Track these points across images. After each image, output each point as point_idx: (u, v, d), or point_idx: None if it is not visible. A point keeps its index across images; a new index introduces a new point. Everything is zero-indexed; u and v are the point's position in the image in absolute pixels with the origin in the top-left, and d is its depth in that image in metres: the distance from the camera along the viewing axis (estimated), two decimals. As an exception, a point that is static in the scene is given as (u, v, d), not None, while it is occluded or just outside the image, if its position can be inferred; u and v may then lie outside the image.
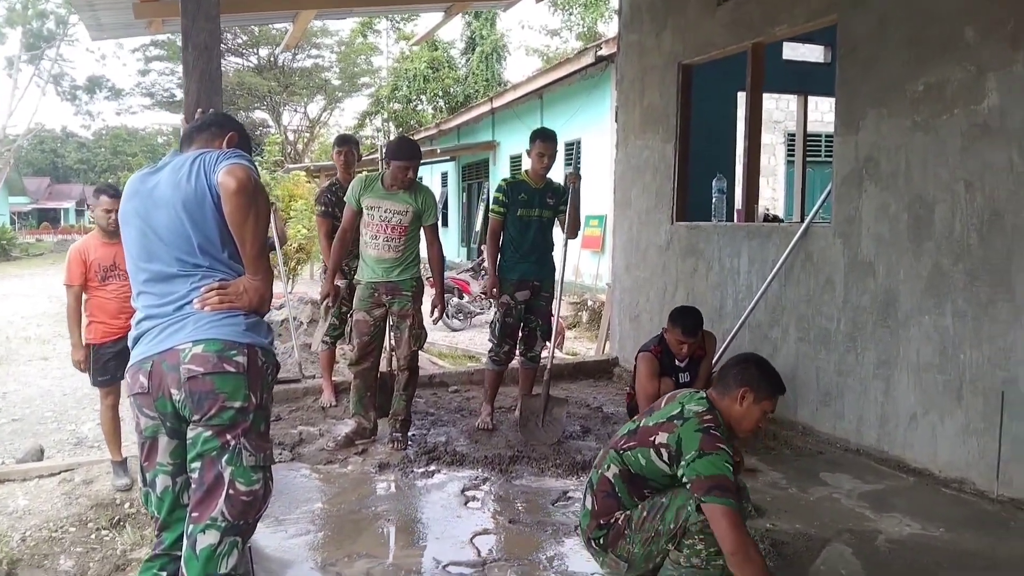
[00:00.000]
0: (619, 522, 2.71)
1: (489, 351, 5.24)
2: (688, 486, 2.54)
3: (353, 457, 4.50)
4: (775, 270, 5.17)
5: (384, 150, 4.75)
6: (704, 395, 2.76)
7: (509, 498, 3.92)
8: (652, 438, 2.68)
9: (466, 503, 3.85)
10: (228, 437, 2.10)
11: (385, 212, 4.60)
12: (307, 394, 5.89)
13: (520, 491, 4.00)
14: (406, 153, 4.58)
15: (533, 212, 5.06)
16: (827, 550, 3.32)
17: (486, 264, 5.20)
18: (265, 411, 2.19)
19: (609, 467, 2.79)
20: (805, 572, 3.11)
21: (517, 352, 5.23)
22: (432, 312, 4.89)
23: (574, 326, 12.33)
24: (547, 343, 5.23)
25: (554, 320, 5.23)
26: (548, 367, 5.14)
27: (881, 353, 4.51)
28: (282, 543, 3.35)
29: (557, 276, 5.20)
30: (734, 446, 2.64)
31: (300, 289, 13.38)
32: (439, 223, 4.85)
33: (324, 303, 5.24)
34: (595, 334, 10.97)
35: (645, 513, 2.67)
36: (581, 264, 14.11)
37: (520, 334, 5.19)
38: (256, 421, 2.15)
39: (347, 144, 5.74)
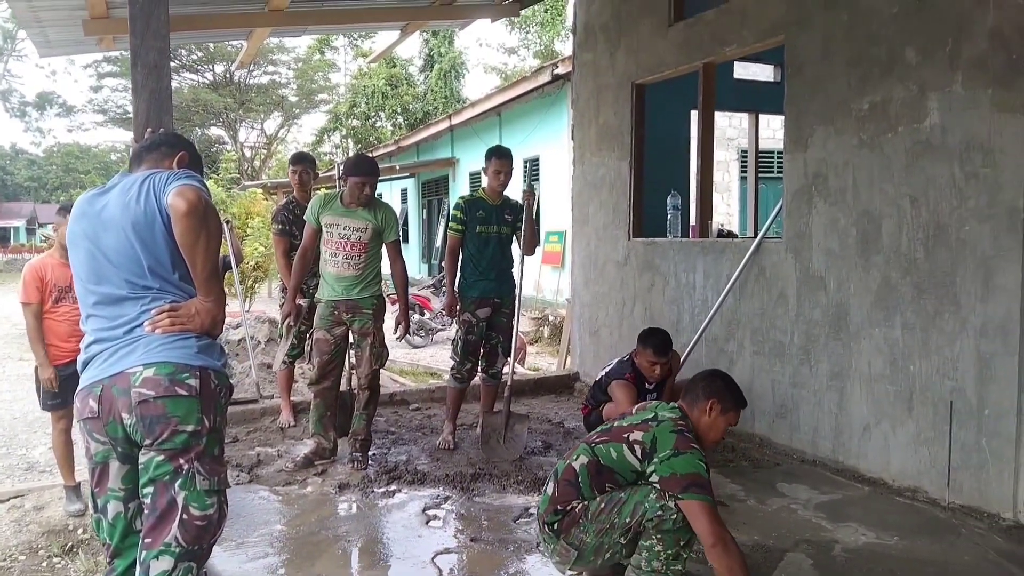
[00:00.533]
0: (576, 510, 2.76)
1: (451, 369, 5.23)
2: (659, 483, 2.63)
3: (312, 478, 4.44)
4: (729, 284, 5.24)
5: (341, 167, 4.72)
6: (676, 405, 2.89)
7: (471, 516, 3.90)
8: (626, 435, 2.78)
9: (427, 522, 3.82)
10: (181, 461, 2.06)
11: (344, 230, 4.58)
12: (265, 415, 5.81)
13: (482, 509, 3.99)
14: (363, 169, 4.58)
15: (491, 229, 5.07)
16: (785, 560, 3.36)
17: (446, 282, 5.20)
18: (219, 434, 2.16)
19: (578, 457, 2.85)
20: (763, 583, 3.14)
21: (479, 369, 5.22)
22: (396, 329, 4.87)
23: (536, 341, 12.35)
24: (508, 359, 5.24)
25: (514, 336, 5.24)
26: (509, 383, 5.14)
27: (834, 365, 4.59)
28: (241, 567, 3.29)
29: (516, 292, 5.21)
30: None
31: (257, 308, 13.20)
32: (400, 240, 4.83)
33: (285, 323, 5.17)
34: (556, 349, 11.00)
35: (603, 505, 2.72)
36: (542, 280, 14.16)
37: (482, 351, 5.18)
38: (209, 444, 2.11)
39: (302, 163, 5.70)
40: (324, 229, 4.60)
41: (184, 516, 2.05)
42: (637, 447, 2.73)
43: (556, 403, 6.55)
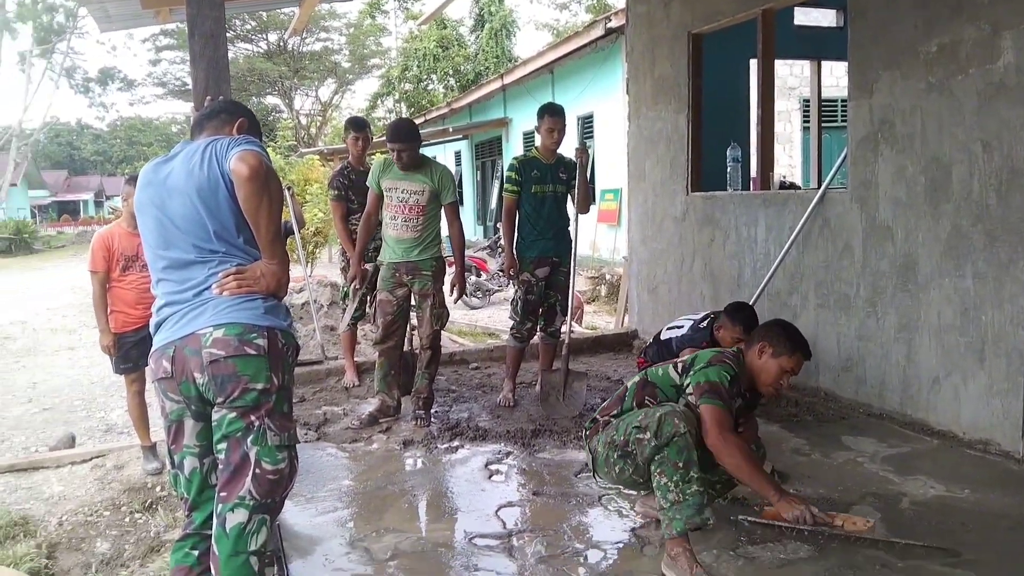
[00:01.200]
0: (602, 420, 3.02)
1: (511, 328, 5.27)
2: (690, 394, 2.84)
3: (378, 435, 4.56)
4: (792, 237, 5.14)
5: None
6: (739, 348, 3.02)
7: (532, 471, 3.96)
8: (676, 359, 3.08)
9: (490, 477, 3.90)
10: (252, 418, 2.13)
11: (402, 193, 4.65)
12: (330, 375, 5.96)
13: (543, 464, 4.04)
14: (394, 135, 4.63)
15: (547, 188, 5.06)
16: (851, 513, 3.31)
17: (503, 243, 5.21)
18: (287, 391, 2.22)
19: (634, 378, 3.12)
20: (829, 537, 3.11)
21: (538, 328, 5.25)
22: (451, 291, 4.94)
23: (592, 300, 12.33)
24: (566, 318, 5.25)
25: (571, 295, 5.24)
26: (567, 341, 5.16)
27: (902, 317, 4.48)
28: (311, 520, 3.41)
29: (573, 250, 5.20)
30: (736, 375, 2.86)
31: (319, 272, 13.46)
32: (457, 202, 4.87)
33: (352, 286, 5.27)
34: (614, 308, 10.97)
35: (618, 421, 2.94)
36: (598, 238, 14.09)
37: (540, 310, 5.21)
38: (279, 401, 2.18)
39: (360, 129, 5.73)
40: (384, 193, 4.67)
41: (257, 470, 2.12)
42: (680, 364, 2.99)
43: (614, 361, 6.55)
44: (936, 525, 3.20)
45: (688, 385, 2.87)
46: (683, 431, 2.70)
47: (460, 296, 4.97)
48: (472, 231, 22.00)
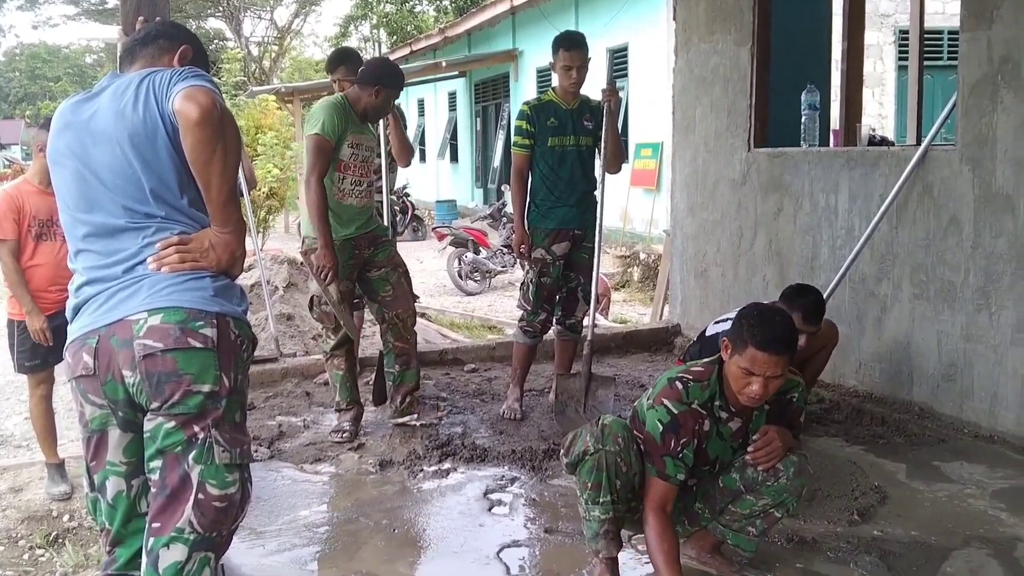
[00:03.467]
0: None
1: (519, 320, 5.29)
2: None
3: (347, 453, 4.60)
4: (884, 208, 5.14)
5: (374, 74, 4.74)
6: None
7: (544, 502, 3.99)
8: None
9: (490, 508, 3.93)
10: (196, 429, 2.15)
11: (366, 151, 4.77)
12: (287, 377, 6.00)
13: (557, 493, 4.07)
14: (397, 80, 4.79)
15: (568, 140, 5.07)
16: (951, 561, 3.36)
17: (511, 210, 5.23)
18: (240, 396, 2.24)
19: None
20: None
21: (554, 320, 5.27)
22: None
23: (622, 286, 12.37)
24: (589, 307, 5.27)
25: (595, 278, 5.26)
26: (590, 338, 5.19)
27: (1022, 312, 4.49)
28: (261, 561, 3.44)
29: (599, 221, 5.22)
30: (694, 408, 2.94)
31: (273, 245, 13.49)
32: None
33: (328, 286, 4.95)
34: (649, 295, 11.00)
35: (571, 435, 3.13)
36: (630, 206, 14.09)
37: (557, 297, 5.23)
38: (230, 408, 2.20)
39: (353, 62, 5.61)
40: (346, 150, 4.63)
41: (200, 495, 2.14)
42: (649, 390, 3.09)
43: (650, 363, 6.58)
44: (1062, 579, 3.23)
45: None
46: (593, 449, 2.93)
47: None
48: (470, 196, 22.02)
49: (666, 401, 2.93)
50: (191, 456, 2.15)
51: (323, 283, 4.56)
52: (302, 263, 9.60)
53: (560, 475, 4.28)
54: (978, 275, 4.72)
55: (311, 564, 3.43)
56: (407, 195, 17.17)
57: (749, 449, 3.04)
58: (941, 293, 4.94)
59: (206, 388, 2.15)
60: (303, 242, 4.79)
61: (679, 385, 2.96)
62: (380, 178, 4.93)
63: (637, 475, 2.98)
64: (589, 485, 2.95)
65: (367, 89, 4.64)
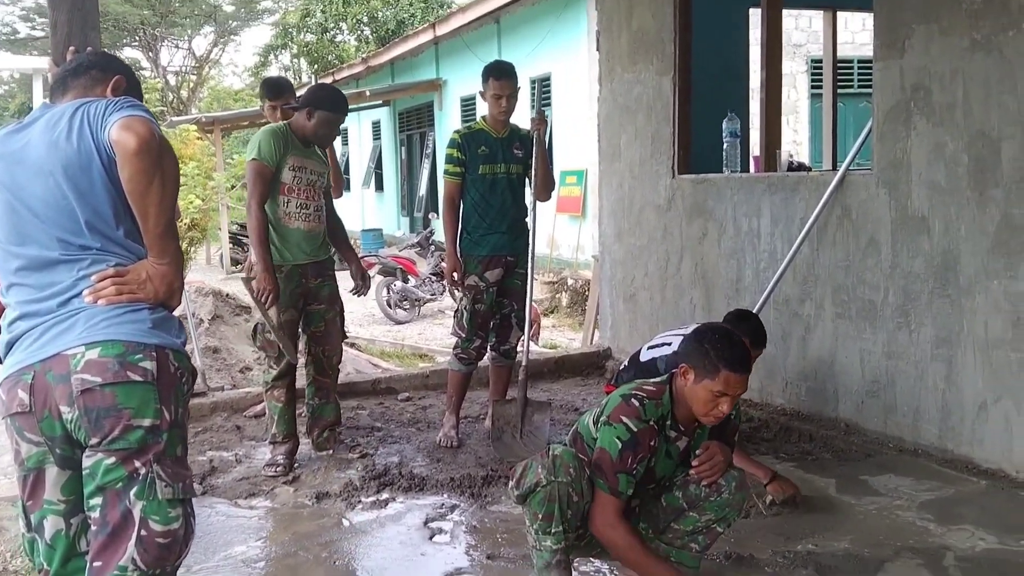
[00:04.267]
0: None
1: (454, 348, 5.30)
2: None
3: (281, 487, 4.53)
4: (805, 231, 5.26)
5: (308, 97, 4.76)
6: (672, 373, 3.15)
7: (485, 529, 3.98)
8: (604, 400, 3.17)
9: (431, 537, 3.91)
10: (137, 464, 2.11)
11: (311, 174, 4.74)
12: (216, 411, 5.90)
13: (498, 519, 4.07)
14: (340, 105, 4.79)
15: (499, 168, 5.11)
16: (884, 573, 3.43)
17: (445, 240, 5.25)
18: (181, 430, 2.21)
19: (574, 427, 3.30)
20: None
21: (488, 347, 5.29)
22: (357, 289, 5.08)
23: (551, 312, 12.44)
24: (523, 333, 5.30)
25: (528, 303, 5.30)
26: (525, 364, 5.20)
27: (940, 329, 4.63)
28: (200, 599, 3.37)
29: (531, 248, 5.26)
30: (651, 426, 2.98)
31: (195, 277, 13.27)
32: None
33: (269, 311, 4.66)
34: (578, 320, 11.09)
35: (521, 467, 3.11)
36: (557, 233, 14.21)
37: (491, 323, 5.25)
38: (171, 443, 2.16)
39: (285, 93, 5.57)
40: (287, 174, 4.65)
41: (142, 532, 2.10)
42: (597, 409, 3.11)
43: (583, 387, 6.62)
44: (988, 586, 3.32)
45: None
46: (545, 481, 2.93)
47: (366, 290, 5.12)
48: (396, 224, 21.96)
49: (625, 419, 2.95)
50: (132, 492, 2.11)
51: (263, 307, 4.51)
52: (227, 294, 9.52)
53: (500, 501, 4.28)
54: (897, 294, 4.86)
55: (251, 600, 3.37)
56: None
57: (693, 463, 3.09)
58: (862, 312, 5.07)
59: (146, 422, 2.11)
60: (248, 268, 4.76)
61: (635, 403, 2.99)
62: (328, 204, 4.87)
63: (587, 503, 3.00)
64: (540, 516, 2.96)
65: (303, 112, 4.67)
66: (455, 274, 5.12)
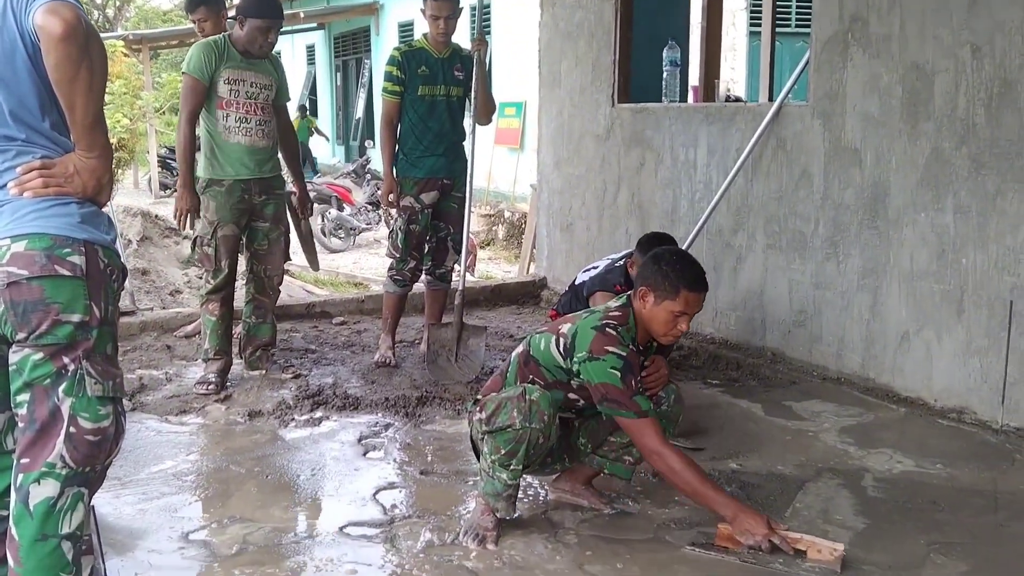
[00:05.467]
0: (480, 402, 3.16)
1: (389, 269, 5.31)
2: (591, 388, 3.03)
3: (213, 405, 4.50)
4: (740, 162, 5.31)
5: (239, 5, 4.65)
6: (628, 295, 3.15)
7: (419, 446, 4.02)
8: (560, 326, 3.17)
9: (365, 454, 3.94)
10: (65, 360, 2.07)
11: (251, 87, 4.66)
12: (145, 330, 5.82)
13: (432, 437, 4.11)
14: (269, 10, 4.65)
15: (439, 90, 5.07)
16: (805, 491, 3.54)
17: (381, 161, 5.24)
18: (111, 327, 2.17)
19: (518, 347, 3.29)
20: (780, 517, 3.31)
21: (423, 270, 5.31)
22: (301, 211, 5.14)
23: (488, 244, 12.44)
24: (459, 257, 5.30)
25: (466, 227, 5.30)
26: (461, 289, 5.22)
27: (868, 260, 4.74)
28: (129, 509, 3.35)
29: (469, 173, 5.27)
30: (632, 348, 3.03)
31: (123, 200, 12.96)
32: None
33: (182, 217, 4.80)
34: (514, 253, 11.12)
35: (492, 395, 3.12)
36: (495, 166, 14.13)
37: (427, 246, 5.26)
38: (101, 340, 2.12)
39: (209, 6, 5.36)
40: (223, 87, 4.60)
41: (71, 429, 2.07)
42: (562, 340, 3.10)
43: (518, 315, 6.66)
44: (903, 504, 3.45)
45: (579, 374, 3.04)
46: (519, 426, 2.95)
47: (309, 215, 5.17)
48: (331, 152, 21.65)
49: (611, 348, 2.97)
50: (61, 388, 2.07)
51: (180, 226, 4.54)
52: (156, 215, 9.35)
53: (434, 421, 4.32)
54: (827, 225, 4.95)
55: (182, 511, 3.36)
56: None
57: (643, 374, 3.16)
58: (793, 243, 5.16)
59: (75, 318, 2.07)
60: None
61: (612, 332, 3.01)
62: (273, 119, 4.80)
63: (552, 444, 3.08)
64: (503, 451, 2.99)
65: (237, 23, 4.60)
66: (391, 195, 5.10)
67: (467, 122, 5.31)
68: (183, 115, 4.64)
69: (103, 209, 2.21)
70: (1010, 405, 4.15)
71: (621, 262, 4.63)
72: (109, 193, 2.21)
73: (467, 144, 5.29)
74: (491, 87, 5.36)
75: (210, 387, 4.65)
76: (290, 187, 5.20)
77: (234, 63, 4.60)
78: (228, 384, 4.76)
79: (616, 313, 3.09)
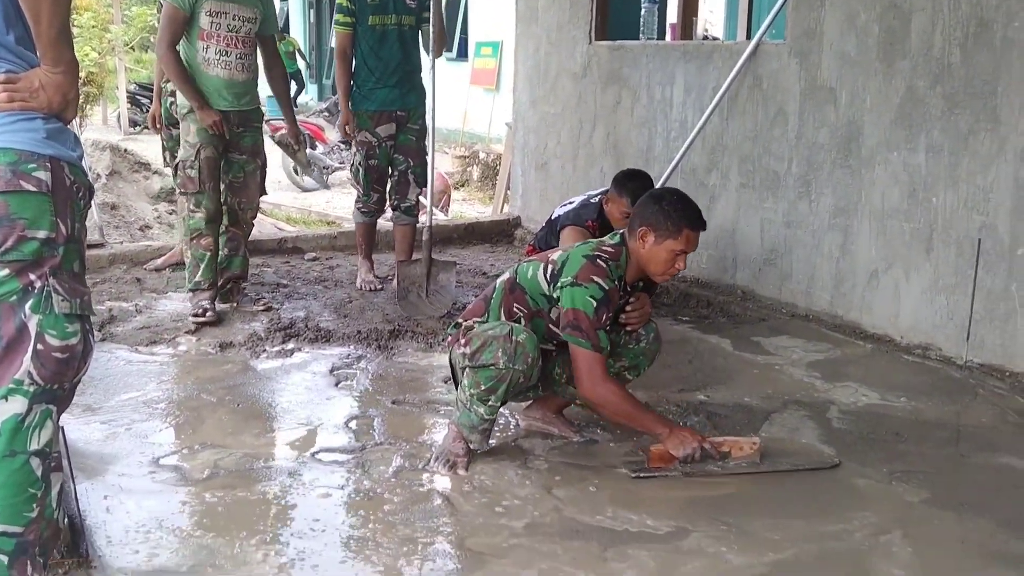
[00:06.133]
0: (462, 328, 3.16)
1: (356, 201, 5.36)
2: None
3: (183, 336, 4.49)
4: (715, 100, 5.31)
5: None
6: (621, 234, 3.15)
7: (391, 377, 4.04)
8: (550, 254, 3.20)
9: (336, 384, 3.95)
10: (32, 277, 2.04)
11: (233, 20, 4.60)
12: (114, 263, 5.78)
13: (404, 369, 4.13)
14: None
15: (389, 20, 5.09)
16: (770, 422, 3.61)
17: (338, 94, 5.25)
18: (78, 245, 2.14)
19: (503, 273, 3.30)
20: (747, 447, 3.37)
21: (389, 205, 5.35)
22: (291, 146, 5.17)
23: (462, 185, 12.38)
24: (423, 194, 5.33)
25: (431, 164, 5.33)
26: (429, 224, 5.25)
27: (839, 199, 4.77)
28: (98, 435, 3.36)
29: (427, 104, 5.31)
30: (616, 286, 3.04)
31: (92, 135, 12.77)
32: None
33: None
34: (488, 195, 11.08)
35: (479, 330, 3.09)
36: (471, 107, 14.03)
37: (389, 181, 5.29)
38: (67, 257, 2.10)
39: None
40: (204, 18, 4.54)
41: (39, 346, 2.05)
42: (550, 267, 3.11)
43: (492, 254, 6.66)
44: (866, 435, 3.52)
45: (559, 299, 3.06)
46: (502, 367, 2.97)
47: (304, 147, 5.07)
48: (304, 90, 21.36)
49: (596, 279, 2.99)
50: (28, 305, 2.04)
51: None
52: (126, 149, 9.23)
53: (406, 353, 4.34)
54: (801, 164, 4.96)
55: (152, 437, 3.36)
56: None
57: (628, 309, 3.21)
58: (766, 182, 5.17)
59: (41, 234, 2.04)
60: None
61: (602, 263, 3.03)
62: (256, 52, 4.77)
63: (533, 383, 3.14)
64: (483, 387, 3.02)
65: None
66: (347, 127, 5.16)
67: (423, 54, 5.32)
68: (163, 44, 4.55)
69: (68, 126, 2.17)
70: (975, 342, 4.22)
71: (597, 198, 4.63)
72: (75, 110, 2.16)
73: (425, 76, 5.30)
74: (465, 32, 5.37)
75: (209, 315, 4.62)
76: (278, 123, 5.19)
77: None
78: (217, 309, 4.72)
79: (610, 248, 3.10)
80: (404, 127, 5.20)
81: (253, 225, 5.07)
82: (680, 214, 3.05)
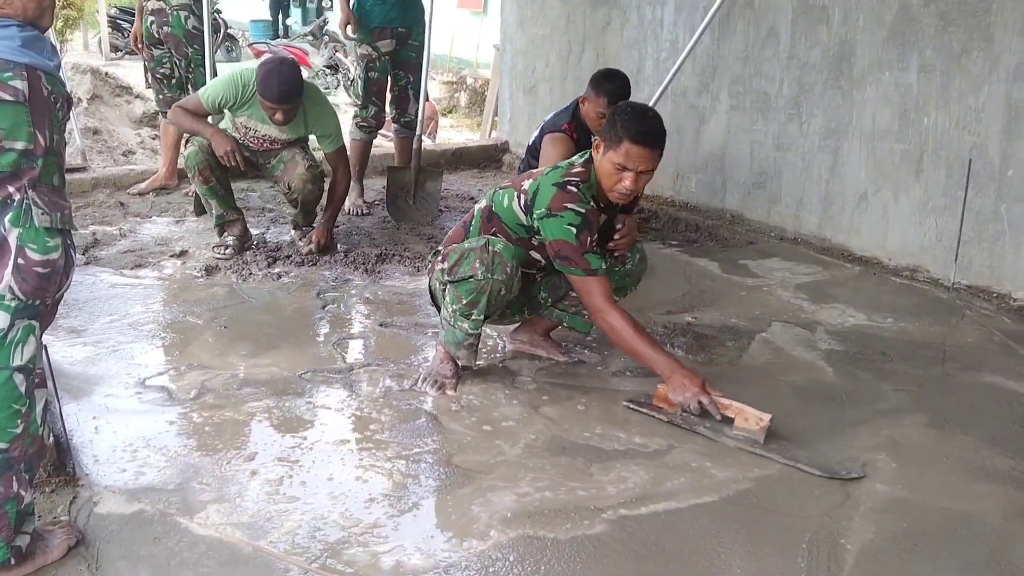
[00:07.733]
0: (442, 253, 3.16)
1: (354, 117, 5.35)
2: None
3: (170, 260, 4.46)
4: (707, 19, 5.22)
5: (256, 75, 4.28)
6: (590, 152, 3.03)
7: (378, 300, 4.04)
8: (522, 182, 3.12)
9: (324, 307, 3.94)
10: (10, 189, 2.01)
11: (260, 137, 4.50)
12: (97, 187, 5.71)
13: (391, 292, 4.12)
14: (268, 92, 4.16)
15: None
16: (757, 342, 3.62)
17: (333, 28, 5.22)
18: (57, 158, 2.10)
19: (481, 201, 3.25)
20: (733, 367, 3.39)
21: (390, 119, 5.41)
22: (312, 243, 4.58)
23: (450, 112, 12.25)
24: (419, 106, 5.36)
25: (423, 86, 5.33)
26: (418, 134, 5.32)
27: (830, 120, 4.73)
28: (84, 356, 3.34)
29: (427, 22, 5.29)
30: (592, 206, 2.97)
31: (73, 59, 12.55)
32: (345, 147, 4.71)
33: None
34: (476, 121, 10.97)
35: (455, 246, 3.11)
36: (457, 31, 13.80)
37: (388, 96, 5.33)
38: (47, 169, 2.06)
39: None
40: (231, 126, 4.47)
41: (19, 260, 2.02)
42: (523, 197, 3.05)
43: (480, 179, 6.62)
44: (853, 355, 3.54)
45: (539, 231, 3.00)
46: (481, 277, 2.96)
47: (322, 252, 4.56)
48: (287, 13, 20.96)
49: (569, 205, 2.91)
50: (7, 219, 2.01)
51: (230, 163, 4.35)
52: (107, 73, 9.06)
53: (393, 277, 4.32)
54: (792, 86, 4.91)
55: (139, 359, 3.35)
56: (218, 11, 16.18)
57: (615, 236, 3.16)
58: (756, 104, 5.13)
59: (19, 145, 2.00)
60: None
61: (572, 189, 2.94)
62: None
63: (513, 295, 3.09)
64: (465, 302, 3.01)
65: None
66: (348, 27, 5.06)
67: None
68: (177, 112, 4.39)
69: (45, 35, 2.12)
70: (963, 263, 4.23)
71: (571, 104, 4.57)
72: (51, 17, 2.11)
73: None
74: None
75: (227, 250, 4.51)
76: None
77: (254, 112, 4.35)
78: (247, 246, 4.61)
79: (578, 169, 3.00)
80: (405, 43, 5.22)
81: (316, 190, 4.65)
82: (624, 125, 2.84)
